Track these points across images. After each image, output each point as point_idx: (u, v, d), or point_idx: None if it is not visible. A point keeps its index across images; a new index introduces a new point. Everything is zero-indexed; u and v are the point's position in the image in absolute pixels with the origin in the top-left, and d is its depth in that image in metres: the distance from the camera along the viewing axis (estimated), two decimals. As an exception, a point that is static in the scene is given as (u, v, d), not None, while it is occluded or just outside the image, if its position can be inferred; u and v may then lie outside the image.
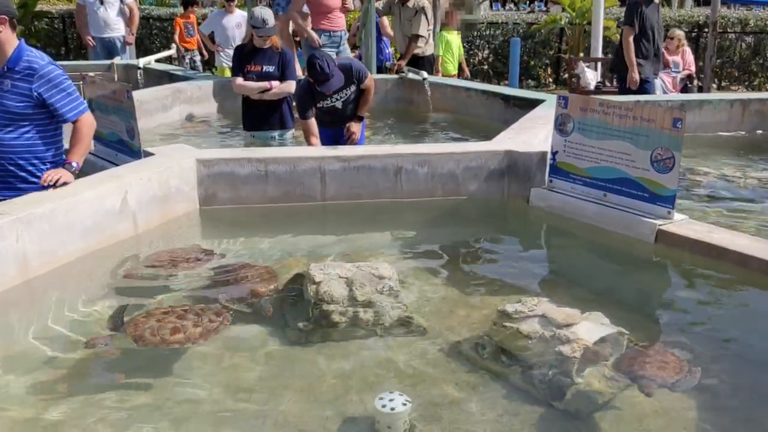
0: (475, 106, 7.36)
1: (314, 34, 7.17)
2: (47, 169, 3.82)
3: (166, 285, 3.40)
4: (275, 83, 5.86)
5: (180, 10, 16.67)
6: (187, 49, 11.43)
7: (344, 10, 7.50)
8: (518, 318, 2.76)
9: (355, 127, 5.37)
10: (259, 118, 6.03)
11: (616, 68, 8.00)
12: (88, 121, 3.95)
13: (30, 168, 3.82)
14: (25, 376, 2.69)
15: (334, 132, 5.43)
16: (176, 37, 11.47)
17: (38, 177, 3.77)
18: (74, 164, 3.79)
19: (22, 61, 3.71)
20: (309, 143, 5.28)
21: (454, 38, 10.00)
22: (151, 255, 3.69)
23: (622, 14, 14.94)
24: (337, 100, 5.27)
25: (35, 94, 3.71)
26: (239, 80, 5.89)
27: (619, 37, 13.35)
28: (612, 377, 2.60)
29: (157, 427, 2.41)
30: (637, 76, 7.36)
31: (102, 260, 3.65)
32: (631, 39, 7.31)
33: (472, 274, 3.72)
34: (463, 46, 11.18)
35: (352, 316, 2.99)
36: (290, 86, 5.92)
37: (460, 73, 10.24)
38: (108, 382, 2.67)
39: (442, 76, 9.75)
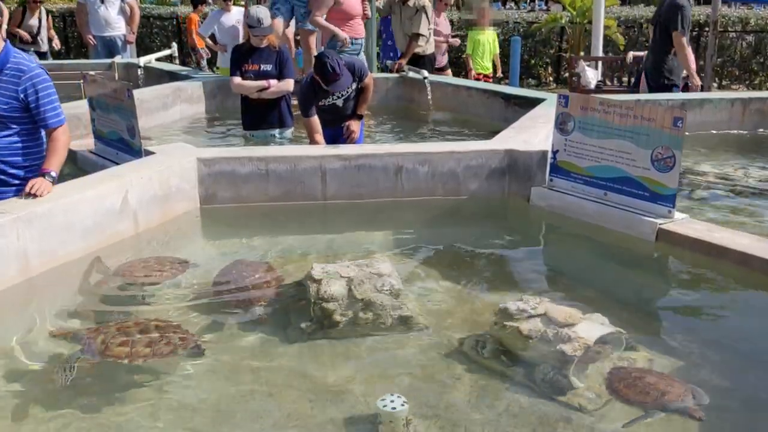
0: (476, 105, 7.35)
1: (343, 34, 7.04)
2: (31, 172, 3.71)
3: (156, 293, 3.38)
4: (273, 82, 5.86)
5: (181, 8, 16.73)
6: (194, 48, 11.40)
7: (364, 17, 7.44)
8: (519, 317, 2.76)
9: (355, 126, 5.36)
10: (258, 117, 6.03)
11: (650, 74, 7.35)
12: (67, 134, 3.82)
13: (13, 171, 3.73)
14: (24, 373, 2.69)
15: (334, 131, 5.42)
16: (194, 36, 11.39)
17: (20, 180, 3.69)
18: (53, 173, 3.63)
19: (9, 62, 3.63)
20: (313, 140, 5.28)
21: (485, 37, 9.83)
22: (123, 265, 3.51)
23: (623, 13, 15.07)
24: (338, 98, 5.27)
25: (21, 96, 3.64)
26: (237, 79, 5.90)
27: (619, 36, 13.43)
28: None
29: (158, 425, 2.41)
30: (698, 82, 7.17)
31: (103, 259, 3.65)
32: (685, 42, 6.95)
33: (473, 273, 3.72)
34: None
35: (353, 315, 2.99)
36: (288, 84, 5.93)
37: (494, 72, 10.08)
38: (106, 380, 2.67)
39: (475, 76, 9.58)
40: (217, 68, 9.53)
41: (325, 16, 6.97)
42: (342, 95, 5.26)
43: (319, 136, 5.26)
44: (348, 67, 5.14)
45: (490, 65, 9.99)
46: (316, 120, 5.29)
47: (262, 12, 5.79)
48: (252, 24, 5.76)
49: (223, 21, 8.91)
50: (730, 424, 2.47)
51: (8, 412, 2.47)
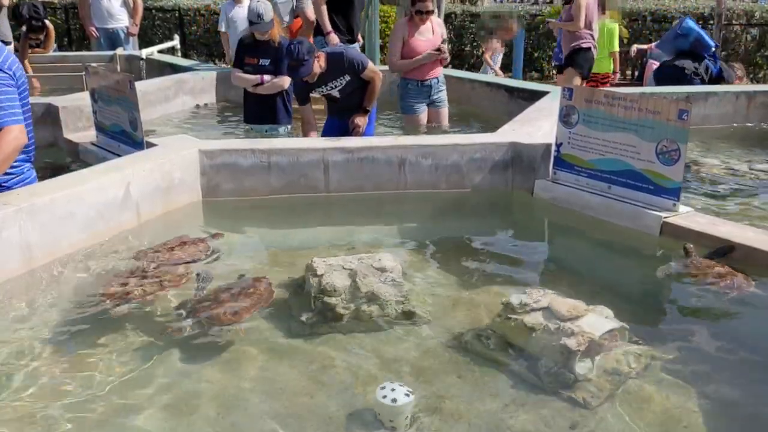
0: (479, 98, 7.33)
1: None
2: None
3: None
4: (267, 77, 5.82)
5: (183, 1, 16.69)
6: None
7: (441, 60, 6.30)
8: (523, 310, 2.74)
9: (359, 120, 5.31)
10: (254, 111, 6.06)
11: None
12: (11, 135, 3.32)
13: None
14: (25, 368, 2.69)
15: (341, 122, 5.41)
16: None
17: None
18: None
19: None
20: (303, 131, 5.28)
21: (605, 26, 8.80)
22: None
23: (627, 6, 14.97)
24: (332, 88, 5.22)
25: None
26: (237, 72, 5.93)
27: (623, 29, 13.35)
28: (615, 371, 2.59)
29: (159, 416, 2.40)
30: None
31: (104, 251, 3.65)
32: None
33: (476, 266, 3.70)
34: (468, 37, 10.93)
35: (355, 309, 2.98)
36: (283, 81, 5.84)
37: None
38: (104, 374, 2.66)
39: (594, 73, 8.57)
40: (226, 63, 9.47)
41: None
42: (336, 86, 5.20)
43: (308, 126, 5.27)
44: (333, 57, 5.09)
45: (607, 63, 8.84)
46: (308, 109, 5.30)
47: (262, 7, 5.69)
48: (252, 20, 5.71)
49: (233, 15, 8.81)
50: (732, 419, 2.46)
51: (13, 405, 2.47)
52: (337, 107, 5.40)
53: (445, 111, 6.41)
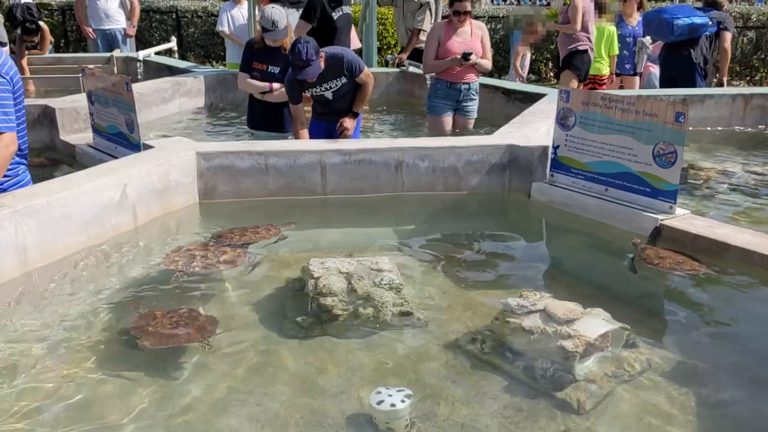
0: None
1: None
2: None
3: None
4: (276, 85, 5.67)
5: (181, 2, 16.68)
6: None
7: (475, 68, 6.19)
8: (520, 313, 2.74)
9: (348, 123, 5.27)
10: (260, 117, 5.91)
11: None
12: (2, 144, 3.30)
13: None
14: (24, 367, 2.68)
15: (328, 125, 5.36)
16: None
17: None
18: None
19: None
20: (295, 131, 5.23)
21: (603, 30, 8.68)
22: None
23: (623, 9, 14.98)
24: (326, 89, 5.16)
25: None
26: (244, 76, 5.76)
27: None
28: (612, 373, 2.59)
29: (155, 418, 2.40)
30: None
31: (101, 252, 3.64)
32: None
33: (473, 269, 3.70)
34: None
35: (352, 311, 2.98)
36: None
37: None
38: (102, 376, 2.66)
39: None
40: (224, 65, 9.41)
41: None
42: (330, 87, 5.16)
43: (302, 129, 5.20)
44: (333, 59, 5.04)
45: (603, 64, 8.78)
46: (299, 108, 5.21)
47: (276, 14, 5.50)
48: (266, 26, 5.51)
49: (233, 14, 8.77)
50: (730, 418, 2.46)
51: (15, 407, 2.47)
52: (327, 109, 5.33)
53: (471, 122, 6.35)
